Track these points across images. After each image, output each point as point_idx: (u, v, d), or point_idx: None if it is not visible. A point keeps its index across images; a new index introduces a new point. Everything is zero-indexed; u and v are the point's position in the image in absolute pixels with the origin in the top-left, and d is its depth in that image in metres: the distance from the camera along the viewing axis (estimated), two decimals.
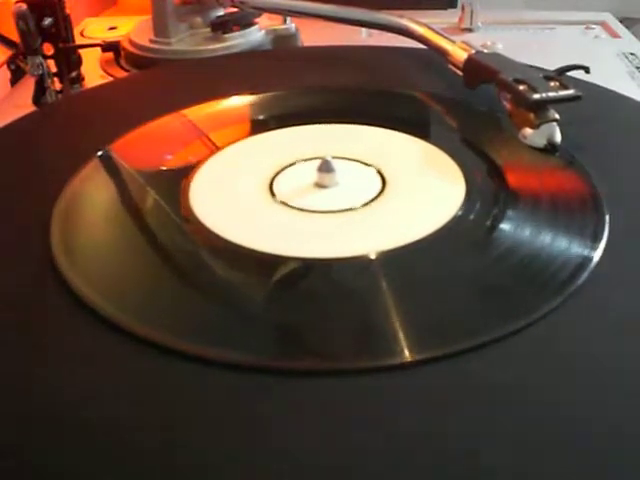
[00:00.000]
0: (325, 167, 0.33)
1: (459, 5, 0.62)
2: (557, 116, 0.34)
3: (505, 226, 0.30)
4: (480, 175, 0.34)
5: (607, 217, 0.30)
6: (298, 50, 0.56)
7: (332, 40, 0.54)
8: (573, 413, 0.22)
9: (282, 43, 0.57)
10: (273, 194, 0.33)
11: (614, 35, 0.63)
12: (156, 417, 0.22)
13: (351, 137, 0.38)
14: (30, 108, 0.48)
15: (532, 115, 0.35)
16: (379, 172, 0.34)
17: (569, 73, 0.38)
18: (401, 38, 0.48)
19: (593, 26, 0.64)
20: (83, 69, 0.52)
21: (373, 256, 0.28)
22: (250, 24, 0.56)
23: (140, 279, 0.29)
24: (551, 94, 0.34)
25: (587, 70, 0.39)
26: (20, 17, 0.46)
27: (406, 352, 0.24)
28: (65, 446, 0.21)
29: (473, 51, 0.41)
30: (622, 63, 0.55)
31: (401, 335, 0.25)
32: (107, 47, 0.54)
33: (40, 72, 0.48)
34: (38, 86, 0.48)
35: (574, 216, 0.31)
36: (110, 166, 0.36)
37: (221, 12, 0.56)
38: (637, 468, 0.20)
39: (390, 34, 0.48)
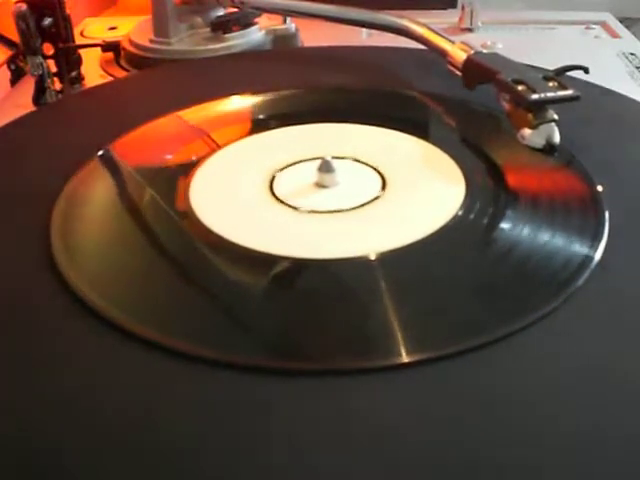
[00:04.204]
0: (325, 167, 0.33)
1: (459, 5, 0.62)
2: (556, 116, 0.35)
3: (505, 226, 0.30)
4: (480, 175, 0.34)
5: (607, 217, 0.30)
6: (298, 50, 0.56)
7: (332, 40, 0.54)
8: (573, 413, 0.22)
9: (282, 43, 0.57)
10: (273, 194, 0.33)
11: (614, 35, 0.63)
12: (156, 417, 0.22)
13: (351, 137, 0.38)
14: (30, 108, 0.48)
15: (531, 115, 0.35)
16: (379, 172, 0.34)
17: (568, 73, 0.38)
18: (401, 38, 0.48)
19: (593, 26, 0.64)
20: (83, 69, 0.52)
21: (373, 256, 0.29)
22: (250, 24, 0.56)
23: (140, 279, 0.29)
24: (550, 94, 0.34)
25: (586, 70, 0.39)
26: (20, 17, 0.46)
27: (405, 353, 0.24)
28: (64, 446, 0.21)
29: (472, 51, 0.41)
30: (622, 63, 0.55)
31: (400, 336, 0.25)
32: (107, 47, 0.54)
33: (40, 72, 0.48)
34: (38, 86, 0.48)
35: (574, 216, 0.31)
36: (110, 166, 0.36)
37: (221, 12, 0.56)
38: (637, 468, 0.20)
39: (390, 34, 0.48)
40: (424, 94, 0.42)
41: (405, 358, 0.24)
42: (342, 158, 0.35)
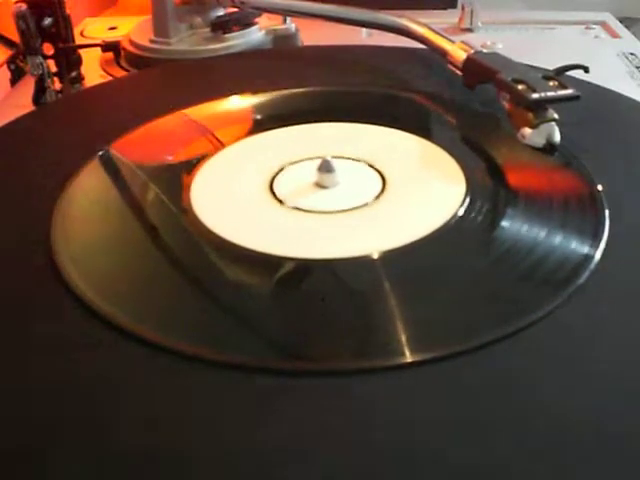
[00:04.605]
0: (325, 167, 0.33)
1: (459, 5, 0.62)
2: (556, 116, 0.34)
3: (505, 225, 0.30)
4: (480, 174, 0.34)
5: (607, 216, 0.30)
6: (298, 50, 0.56)
7: (332, 40, 0.54)
8: (573, 413, 0.22)
9: (282, 43, 0.57)
10: (274, 194, 0.33)
11: (614, 35, 0.63)
12: (156, 417, 0.22)
13: (351, 137, 0.38)
14: (30, 108, 0.48)
15: (531, 115, 0.35)
16: (379, 172, 0.34)
17: (568, 73, 0.38)
18: (401, 38, 0.48)
19: (593, 26, 0.64)
20: (83, 69, 0.52)
21: (374, 256, 0.28)
22: (250, 24, 0.56)
23: (141, 279, 0.29)
24: (550, 94, 0.34)
25: (586, 70, 0.39)
26: (20, 17, 0.46)
27: (407, 353, 0.24)
28: (65, 446, 0.21)
29: (472, 51, 0.41)
30: (622, 63, 0.55)
31: (402, 336, 0.25)
32: (107, 47, 0.54)
33: (40, 72, 0.48)
34: (38, 86, 0.48)
35: (574, 215, 0.31)
36: (110, 166, 0.36)
37: (221, 12, 0.56)
38: (636, 467, 0.20)
39: (390, 34, 0.48)
40: (424, 93, 0.42)
41: (406, 358, 0.24)
42: (342, 158, 0.35)
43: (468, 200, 0.32)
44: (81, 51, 0.52)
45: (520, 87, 0.35)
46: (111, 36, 0.60)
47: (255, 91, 0.43)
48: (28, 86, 0.50)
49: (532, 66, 0.39)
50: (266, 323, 0.26)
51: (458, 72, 0.41)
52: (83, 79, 0.52)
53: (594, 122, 0.38)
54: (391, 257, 0.28)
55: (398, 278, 0.28)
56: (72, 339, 0.25)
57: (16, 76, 0.55)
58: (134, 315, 0.26)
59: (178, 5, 0.54)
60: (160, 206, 0.33)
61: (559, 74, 0.37)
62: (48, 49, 0.49)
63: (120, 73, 0.54)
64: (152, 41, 0.54)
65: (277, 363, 0.24)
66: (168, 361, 0.24)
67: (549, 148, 0.35)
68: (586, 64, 0.39)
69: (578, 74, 0.39)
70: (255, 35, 0.56)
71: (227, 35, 0.54)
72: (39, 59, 0.48)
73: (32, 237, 0.30)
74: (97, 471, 0.20)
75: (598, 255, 0.28)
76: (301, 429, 0.22)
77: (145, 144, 0.38)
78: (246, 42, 0.55)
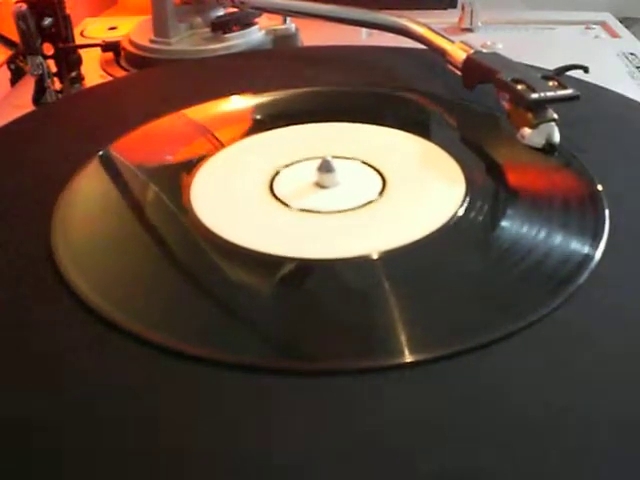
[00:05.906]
0: (325, 167, 0.33)
1: (459, 5, 0.62)
2: (555, 116, 0.34)
3: (505, 225, 0.30)
4: (480, 174, 0.34)
5: (607, 216, 0.30)
6: (298, 50, 0.56)
7: (332, 40, 0.54)
8: (573, 413, 0.22)
9: (282, 43, 0.57)
10: (273, 194, 0.33)
11: (614, 35, 0.63)
12: (156, 417, 0.22)
13: (351, 137, 0.38)
14: (30, 108, 0.48)
15: (530, 115, 0.35)
16: (379, 172, 0.34)
17: (568, 73, 0.38)
18: (401, 38, 0.48)
19: (593, 26, 0.64)
20: (83, 69, 0.52)
21: (374, 256, 0.28)
22: (250, 24, 0.56)
23: (141, 279, 0.29)
24: (549, 94, 0.34)
25: (586, 70, 0.39)
26: (20, 17, 0.46)
27: (407, 352, 0.24)
28: (63, 446, 0.21)
29: (472, 51, 0.41)
30: (622, 63, 0.56)
31: (402, 335, 0.25)
32: (107, 47, 0.54)
33: (40, 72, 0.48)
34: (38, 86, 0.48)
35: (574, 215, 0.31)
36: (110, 166, 0.36)
37: (221, 12, 0.56)
38: (637, 465, 0.20)
39: (390, 34, 0.48)
40: (424, 94, 0.42)
41: (406, 358, 0.24)
42: (342, 158, 0.35)
43: (468, 200, 0.32)
44: (81, 51, 0.52)
45: (520, 87, 0.35)
46: (111, 36, 0.60)
47: (255, 91, 0.43)
48: (28, 86, 0.50)
49: (532, 66, 0.39)
50: (266, 323, 0.26)
51: (458, 72, 0.41)
52: (83, 79, 0.52)
53: (594, 122, 0.38)
54: (391, 257, 0.28)
55: (398, 278, 0.28)
56: (72, 339, 0.25)
57: (16, 76, 0.55)
58: (134, 315, 0.26)
59: (178, 5, 0.54)
60: (160, 206, 0.33)
61: (559, 74, 0.37)
62: (48, 49, 0.50)
63: (120, 73, 0.54)
64: (152, 41, 0.54)
65: (277, 363, 0.24)
66: (168, 361, 0.24)
67: (549, 148, 0.35)
68: (586, 64, 0.39)
69: (578, 74, 0.39)
70: (255, 35, 0.56)
71: (227, 35, 0.54)
72: (39, 59, 0.48)
73: (32, 237, 0.30)
74: (97, 471, 0.20)
75: (598, 255, 0.28)
76: (301, 429, 0.22)
77: (145, 144, 0.38)
78: (246, 42, 0.55)
